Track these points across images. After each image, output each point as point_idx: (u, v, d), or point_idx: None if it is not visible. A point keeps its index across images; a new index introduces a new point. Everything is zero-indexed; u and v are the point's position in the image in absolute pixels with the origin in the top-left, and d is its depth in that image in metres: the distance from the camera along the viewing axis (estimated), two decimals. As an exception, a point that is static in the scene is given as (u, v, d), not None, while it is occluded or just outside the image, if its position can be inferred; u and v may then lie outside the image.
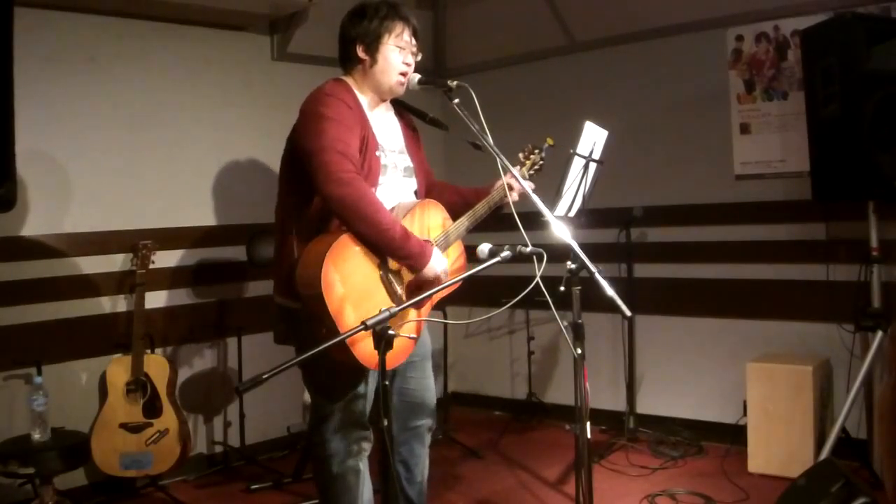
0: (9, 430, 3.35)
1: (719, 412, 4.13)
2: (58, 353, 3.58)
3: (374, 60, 2.50)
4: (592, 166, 3.06)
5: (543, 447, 4.32)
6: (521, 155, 2.77)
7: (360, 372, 2.43)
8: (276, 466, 4.05)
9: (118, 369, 3.51)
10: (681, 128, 4.33)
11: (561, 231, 2.27)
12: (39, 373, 3.41)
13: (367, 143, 2.44)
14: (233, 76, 4.25)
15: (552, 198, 2.90)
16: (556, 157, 2.86)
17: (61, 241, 3.64)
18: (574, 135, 2.95)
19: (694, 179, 4.29)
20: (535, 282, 2.24)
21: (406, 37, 2.53)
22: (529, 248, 2.23)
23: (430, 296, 2.36)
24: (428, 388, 2.71)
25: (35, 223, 3.56)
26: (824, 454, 3.26)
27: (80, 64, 3.69)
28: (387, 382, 2.06)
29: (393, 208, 2.50)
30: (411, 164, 2.63)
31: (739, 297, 4.15)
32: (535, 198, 2.38)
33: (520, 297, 2.29)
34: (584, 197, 3.11)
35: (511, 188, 2.58)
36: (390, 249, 2.35)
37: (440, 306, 3.59)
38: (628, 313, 2.08)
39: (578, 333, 2.33)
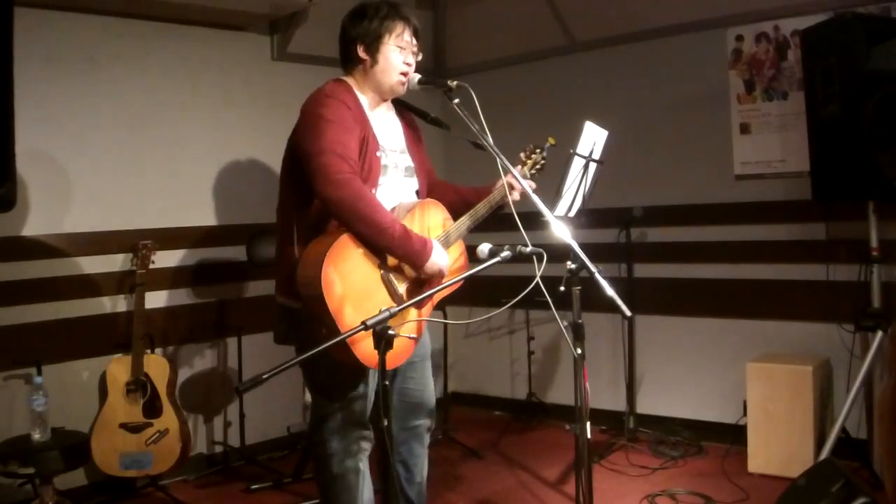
0: (9, 430, 3.35)
1: (719, 412, 4.13)
2: (58, 353, 3.58)
3: (374, 60, 2.50)
4: (592, 166, 3.06)
5: (543, 447, 4.32)
6: (522, 154, 2.77)
7: (360, 372, 2.43)
8: (276, 466, 4.05)
9: (118, 369, 3.51)
10: (681, 128, 4.33)
11: (561, 231, 2.27)
12: (39, 373, 3.41)
13: (367, 144, 2.44)
14: (233, 76, 4.26)
15: (552, 198, 2.90)
16: (556, 157, 2.86)
17: (61, 241, 3.64)
18: (574, 135, 2.95)
19: (694, 179, 4.29)
20: (535, 282, 2.23)
21: (407, 37, 2.53)
22: (529, 248, 2.22)
23: (431, 295, 2.37)
24: (427, 388, 2.71)
25: (35, 223, 3.56)
26: (824, 454, 3.26)
27: (80, 64, 3.69)
28: (387, 382, 2.06)
29: (394, 208, 2.50)
30: (412, 164, 2.63)
31: (739, 297, 4.15)
32: (535, 198, 2.38)
33: (520, 297, 2.29)
34: (584, 197, 3.11)
35: (512, 188, 2.58)
36: (391, 248, 2.35)
37: (440, 306, 3.59)
38: (628, 313, 2.08)
39: (578, 333, 2.33)
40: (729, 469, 3.70)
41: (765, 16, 3.99)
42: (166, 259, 3.92)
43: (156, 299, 3.88)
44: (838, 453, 3.25)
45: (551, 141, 2.78)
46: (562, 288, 2.38)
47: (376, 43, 2.49)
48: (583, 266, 2.22)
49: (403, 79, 2.53)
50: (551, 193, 2.90)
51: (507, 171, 2.47)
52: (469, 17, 4.99)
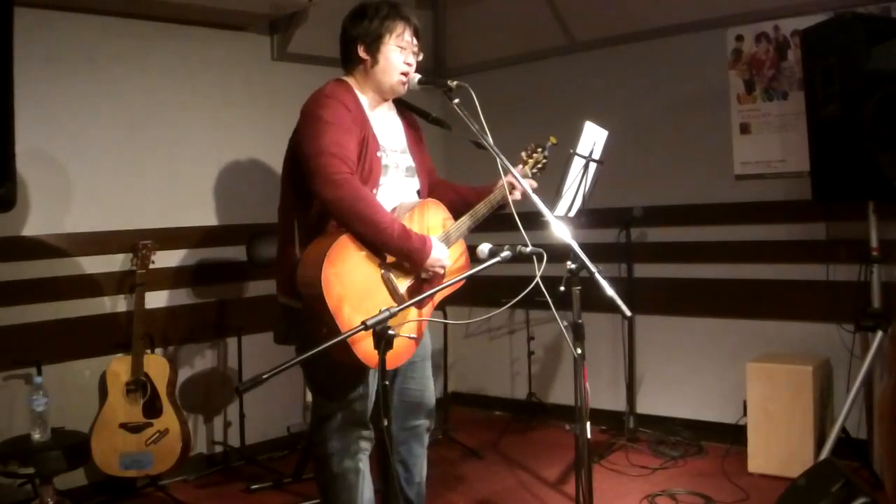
0: (9, 430, 3.35)
1: (719, 412, 4.13)
2: (58, 353, 3.58)
3: (375, 60, 2.50)
4: (592, 166, 3.06)
5: (543, 447, 4.32)
6: (524, 153, 2.77)
7: (360, 372, 2.43)
8: (276, 466, 4.05)
9: (118, 369, 3.51)
10: (681, 128, 4.33)
11: (561, 231, 2.27)
12: (39, 373, 3.41)
13: (368, 144, 2.44)
14: (233, 76, 4.26)
15: (552, 198, 2.90)
16: (556, 158, 2.85)
17: (61, 241, 3.64)
18: (574, 135, 2.95)
19: (694, 179, 4.29)
20: (535, 282, 2.24)
21: (407, 37, 2.53)
22: (529, 248, 2.23)
23: (431, 295, 2.37)
24: (427, 388, 2.71)
25: (35, 223, 3.56)
26: (824, 454, 3.26)
27: (80, 64, 3.69)
28: (387, 382, 2.07)
29: (395, 208, 2.50)
30: (413, 164, 2.63)
31: (739, 297, 4.15)
32: (535, 198, 2.38)
33: (520, 297, 2.29)
34: (584, 197, 3.11)
35: (513, 187, 2.58)
36: (390, 247, 2.35)
37: (440, 306, 3.59)
38: (628, 313, 2.09)
39: (578, 333, 2.33)
40: (729, 469, 3.70)
41: (765, 16, 3.99)
42: (166, 259, 3.92)
43: (156, 299, 3.88)
44: (838, 453, 3.25)
45: (553, 140, 2.78)
46: (562, 288, 2.38)
47: (377, 43, 2.49)
48: (583, 266, 2.22)
49: (404, 79, 2.53)
50: (551, 193, 2.90)
51: (507, 171, 2.47)
52: (469, 17, 4.99)
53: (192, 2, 3.75)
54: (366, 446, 2.53)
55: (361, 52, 2.51)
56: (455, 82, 2.48)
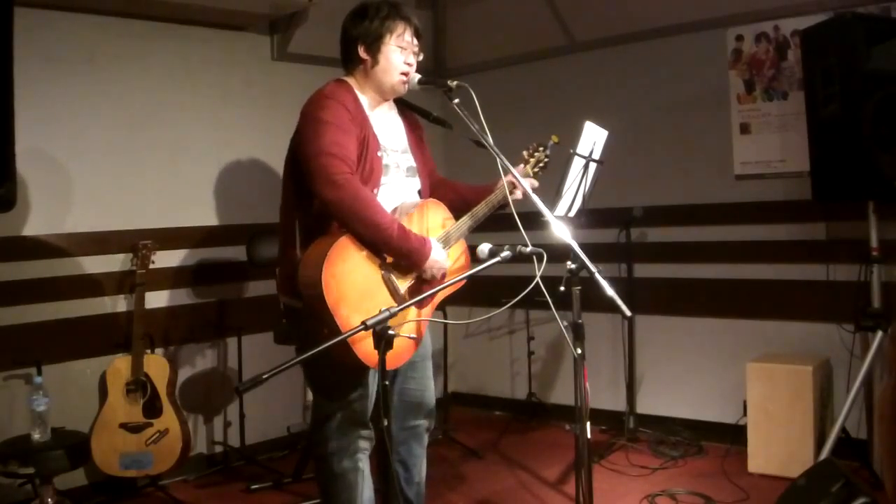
0: (9, 430, 3.35)
1: (719, 412, 4.13)
2: (58, 353, 3.58)
3: (375, 61, 2.50)
4: (592, 166, 3.06)
5: (543, 447, 4.32)
6: (525, 153, 2.76)
7: (361, 372, 2.43)
8: (276, 466, 4.05)
9: (118, 369, 3.51)
10: (681, 128, 4.34)
11: (561, 231, 2.27)
12: (39, 373, 3.41)
13: (368, 144, 2.44)
14: (233, 76, 4.26)
15: (552, 198, 2.90)
16: (556, 158, 2.85)
17: (61, 241, 3.64)
18: (574, 135, 2.95)
19: (694, 179, 4.29)
20: (535, 282, 2.24)
21: (407, 37, 2.53)
22: (529, 248, 2.23)
23: (432, 295, 2.37)
24: (428, 388, 2.71)
25: (35, 223, 3.56)
26: (824, 454, 3.26)
27: (80, 64, 3.69)
28: (387, 382, 2.07)
29: (395, 209, 2.50)
30: (414, 164, 2.63)
31: (739, 297, 4.15)
32: (535, 198, 2.38)
33: (520, 297, 2.29)
34: (584, 197, 3.11)
35: (514, 187, 2.58)
36: (389, 248, 2.35)
37: (440, 306, 3.59)
38: (628, 313, 2.09)
39: (578, 333, 2.33)
40: (729, 469, 3.70)
41: (765, 16, 3.99)
42: (166, 259, 3.92)
43: (156, 299, 3.88)
44: (838, 453, 3.25)
45: (555, 139, 2.77)
46: (562, 288, 2.38)
47: (377, 43, 2.49)
48: (583, 266, 2.22)
49: (404, 79, 2.53)
50: (551, 193, 2.90)
51: (507, 171, 2.47)
52: (469, 17, 4.99)
53: (192, 2, 3.76)
54: (366, 446, 2.53)
55: (362, 53, 2.51)
56: (455, 82, 2.48)
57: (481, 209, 2.61)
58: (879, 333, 3.33)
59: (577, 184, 3.02)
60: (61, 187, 3.65)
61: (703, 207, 4.26)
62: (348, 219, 2.31)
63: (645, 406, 4.45)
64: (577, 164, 2.98)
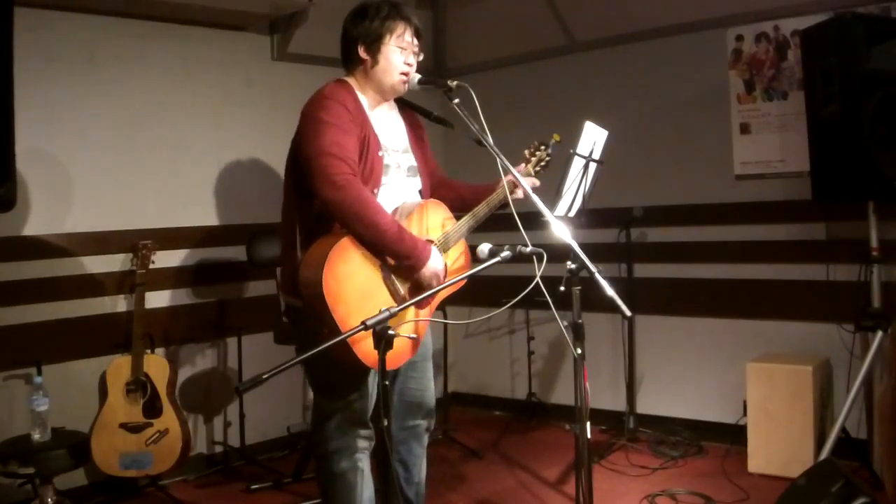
0: (9, 430, 3.35)
1: (719, 412, 4.13)
2: (58, 353, 3.58)
3: (375, 61, 2.50)
4: (592, 166, 3.06)
5: (543, 447, 4.32)
6: (526, 152, 2.76)
7: (361, 371, 2.43)
8: (276, 466, 4.05)
9: (118, 369, 3.51)
10: (681, 128, 4.34)
11: (561, 231, 2.27)
12: (39, 373, 3.41)
13: (369, 144, 2.44)
14: (233, 76, 4.26)
15: (552, 198, 2.90)
16: (556, 158, 2.86)
17: (61, 241, 3.64)
18: (574, 135, 2.95)
19: (694, 179, 4.29)
20: (535, 282, 2.24)
21: (408, 37, 2.53)
22: (529, 248, 2.22)
23: (432, 295, 2.37)
24: (428, 388, 2.72)
25: (35, 223, 3.56)
26: (824, 454, 3.25)
27: (80, 64, 3.69)
28: (387, 382, 2.07)
29: (396, 209, 2.50)
30: (415, 164, 2.63)
31: (739, 297, 4.15)
32: (536, 198, 2.38)
33: (520, 297, 2.29)
34: (584, 197, 3.11)
35: (515, 186, 2.58)
36: (388, 249, 2.35)
37: (440, 306, 3.59)
38: (628, 313, 2.08)
39: (578, 333, 2.33)
40: (729, 469, 3.70)
41: (765, 16, 3.99)
42: (166, 259, 3.92)
43: (156, 299, 3.88)
44: (838, 453, 3.25)
45: (556, 138, 2.77)
46: (562, 288, 2.38)
47: (377, 43, 2.49)
48: (583, 266, 2.22)
49: (404, 79, 2.53)
50: (551, 193, 2.90)
51: (507, 172, 2.47)
52: (469, 17, 4.99)
53: (192, 2, 3.75)
54: (366, 446, 2.53)
55: (362, 53, 2.51)
56: (455, 82, 2.47)
57: (482, 209, 2.61)
58: (879, 333, 3.33)
59: (577, 184, 3.02)
60: (61, 187, 3.65)
61: (703, 207, 4.26)
62: (348, 219, 2.31)
63: (645, 406, 4.45)
64: (577, 164, 2.98)
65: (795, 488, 2.83)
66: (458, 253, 2.62)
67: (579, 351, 2.31)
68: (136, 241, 3.70)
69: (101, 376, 3.55)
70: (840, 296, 3.73)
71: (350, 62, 2.56)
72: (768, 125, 4.06)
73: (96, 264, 3.75)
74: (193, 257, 4.10)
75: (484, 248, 2.28)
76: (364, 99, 2.53)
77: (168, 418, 3.53)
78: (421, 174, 2.65)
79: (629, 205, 4.26)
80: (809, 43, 3.51)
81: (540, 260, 2.19)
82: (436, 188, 2.74)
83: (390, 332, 1.97)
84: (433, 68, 5.04)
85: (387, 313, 1.97)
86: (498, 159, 2.41)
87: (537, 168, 2.76)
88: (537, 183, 2.67)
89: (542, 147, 2.76)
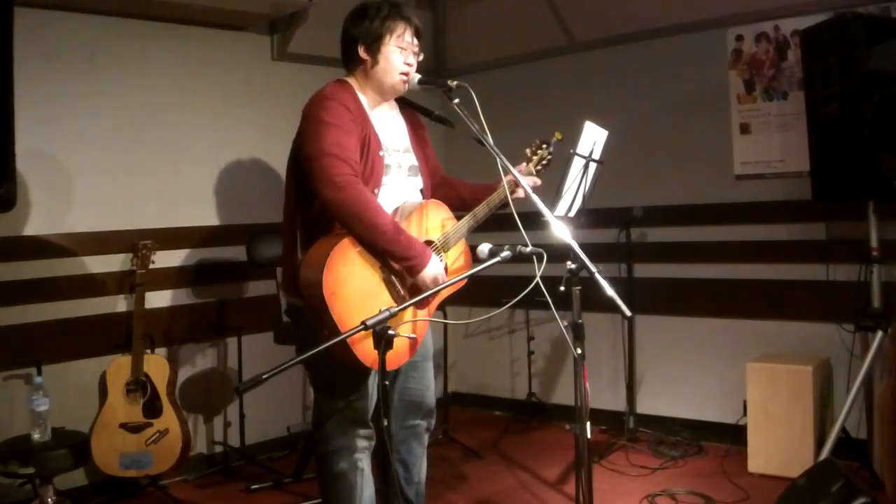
0: (9, 430, 3.35)
1: (719, 412, 4.13)
2: (58, 353, 3.58)
3: (375, 61, 2.50)
4: (592, 166, 3.06)
5: (543, 447, 4.32)
6: (528, 150, 2.75)
7: (362, 371, 2.43)
8: (276, 466, 4.05)
9: (118, 369, 3.51)
10: (681, 128, 4.34)
11: (561, 231, 2.27)
12: (39, 373, 3.41)
13: (370, 144, 2.44)
14: (233, 76, 4.26)
15: (552, 198, 2.90)
16: (556, 157, 2.85)
17: (61, 241, 3.64)
18: (574, 135, 2.95)
19: (694, 179, 4.29)
20: (535, 282, 2.24)
21: (408, 37, 2.53)
22: (529, 248, 2.22)
23: (431, 295, 2.37)
24: (428, 388, 2.72)
25: (35, 223, 3.56)
26: (824, 454, 3.25)
27: (80, 64, 3.69)
28: (387, 382, 2.07)
29: (396, 209, 2.50)
30: (416, 163, 2.63)
31: (739, 297, 4.15)
32: (535, 198, 2.38)
33: (520, 297, 2.29)
34: (584, 197, 3.11)
35: (516, 186, 2.57)
36: (387, 251, 2.35)
37: (440, 306, 3.60)
38: (628, 313, 2.08)
39: (578, 333, 2.33)
40: (729, 469, 3.70)
41: (765, 16, 3.99)
42: (166, 259, 3.92)
43: (156, 299, 3.88)
44: (838, 453, 3.25)
45: (558, 136, 2.76)
46: (562, 288, 2.38)
47: (377, 43, 2.49)
48: (583, 266, 2.22)
49: (404, 79, 2.53)
50: (551, 193, 2.90)
51: (507, 172, 2.47)
52: (469, 17, 4.99)
53: (192, 2, 3.75)
54: (366, 445, 2.53)
55: (362, 53, 2.51)
56: (455, 82, 2.47)
57: (482, 209, 2.61)
58: (879, 333, 3.33)
59: (577, 184, 3.02)
60: (61, 187, 3.65)
61: (703, 207, 4.26)
62: (348, 220, 2.31)
63: (645, 406, 4.45)
64: (577, 164, 2.98)
65: (795, 488, 2.83)
66: (458, 253, 2.62)
67: (579, 351, 2.31)
68: (136, 241, 3.70)
69: (101, 376, 3.55)
70: (840, 296, 3.73)
71: (350, 62, 2.56)
72: (768, 125, 4.06)
73: (96, 264, 3.75)
74: (193, 257, 4.10)
75: (484, 248, 2.28)
76: (364, 99, 2.53)
77: (168, 418, 3.53)
78: (422, 173, 2.65)
79: (629, 205, 4.26)
80: (809, 43, 3.51)
81: (540, 260, 2.19)
82: (436, 187, 2.74)
83: (390, 332, 1.97)
84: (433, 68, 5.04)
85: (386, 313, 1.97)
86: (498, 159, 2.41)
87: (539, 167, 2.75)
88: (538, 182, 2.67)
89: (544, 145, 2.76)
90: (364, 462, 2.52)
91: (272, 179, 4.20)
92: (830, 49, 3.32)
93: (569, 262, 2.31)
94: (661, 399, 4.43)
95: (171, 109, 4.01)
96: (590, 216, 3.38)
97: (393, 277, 2.41)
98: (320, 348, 1.96)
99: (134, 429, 3.46)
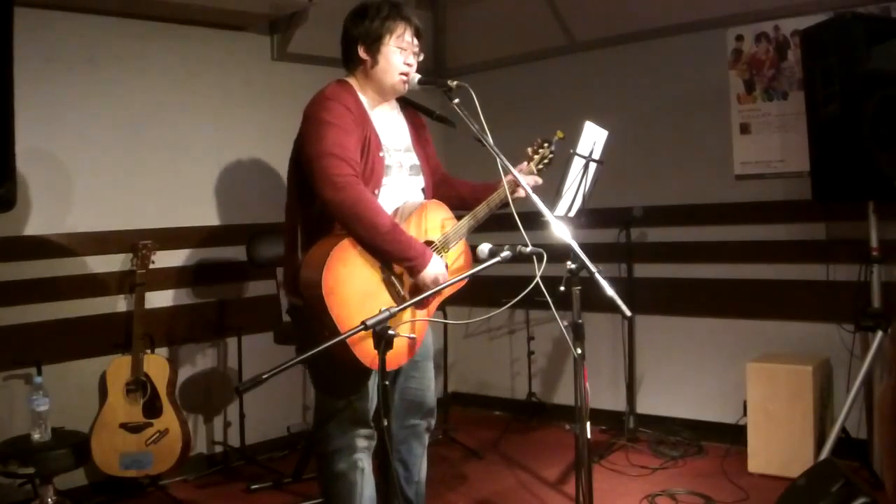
0: (9, 430, 3.35)
1: (719, 412, 4.13)
2: (58, 353, 3.58)
3: (374, 61, 2.50)
4: (592, 166, 3.06)
5: (543, 447, 4.32)
6: (529, 149, 2.75)
7: (363, 371, 2.43)
8: (276, 466, 4.05)
9: (118, 369, 3.51)
10: (681, 128, 4.34)
11: (561, 231, 2.27)
12: (39, 373, 3.41)
13: (370, 145, 2.44)
14: (233, 76, 4.26)
15: (552, 198, 2.90)
16: (556, 157, 2.85)
17: (61, 241, 3.64)
18: (574, 135, 2.95)
19: (694, 179, 4.29)
20: (535, 282, 2.24)
21: (408, 37, 2.53)
22: (529, 248, 2.23)
23: (431, 295, 2.37)
24: (429, 387, 2.72)
25: (35, 223, 3.56)
26: (824, 454, 3.25)
27: (80, 64, 3.69)
28: (387, 382, 2.07)
29: (397, 210, 2.50)
30: (418, 162, 2.63)
31: (739, 297, 4.15)
32: (535, 198, 2.38)
33: (520, 297, 2.29)
34: (584, 197, 3.11)
35: (516, 186, 2.57)
36: (387, 252, 2.35)
37: (440, 306, 3.60)
38: (628, 313, 2.09)
39: (578, 333, 2.33)
40: (729, 469, 3.70)
41: (765, 16, 3.99)
42: (166, 259, 3.92)
43: (156, 299, 3.88)
44: (838, 453, 3.25)
45: (560, 135, 2.75)
46: (562, 288, 2.38)
47: (377, 44, 2.49)
48: (583, 266, 2.22)
49: (404, 79, 2.53)
50: (551, 193, 2.90)
51: (507, 172, 2.47)
52: (469, 17, 4.99)
53: (192, 2, 3.76)
54: (367, 445, 2.53)
55: (362, 53, 2.51)
56: (455, 82, 2.47)
57: (482, 210, 2.60)
58: (879, 333, 3.33)
59: (577, 184, 3.02)
60: (61, 187, 3.65)
61: (703, 207, 4.26)
62: (348, 220, 2.31)
63: (645, 406, 4.45)
64: (577, 164, 2.98)
65: (795, 488, 2.83)
66: (458, 253, 2.62)
67: (579, 351, 2.31)
68: (136, 241, 3.69)
69: (101, 376, 3.55)
70: (840, 296, 3.73)
71: (350, 62, 2.56)
72: (768, 125, 4.06)
73: (96, 264, 3.75)
74: (193, 257, 4.10)
75: (484, 248, 2.28)
76: (365, 99, 2.53)
77: (168, 418, 3.53)
78: (423, 172, 2.65)
79: (629, 205, 4.26)
80: (809, 43, 3.51)
81: (540, 260, 2.19)
82: (439, 186, 2.74)
83: (390, 332, 1.97)
84: (433, 68, 5.04)
85: (386, 313, 1.97)
86: (498, 159, 2.41)
87: (540, 166, 2.74)
88: (540, 181, 2.67)
89: (546, 144, 2.75)
90: (365, 462, 2.52)
91: (272, 179, 4.19)
92: (830, 49, 3.32)
93: (569, 262, 2.31)
94: (661, 399, 4.43)
95: (171, 109, 4.01)
96: (590, 216, 3.38)
97: (393, 278, 2.41)
98: (320, 348, 1.96)
99: (134, 429, 3.46)
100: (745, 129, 4.13)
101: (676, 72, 4.32)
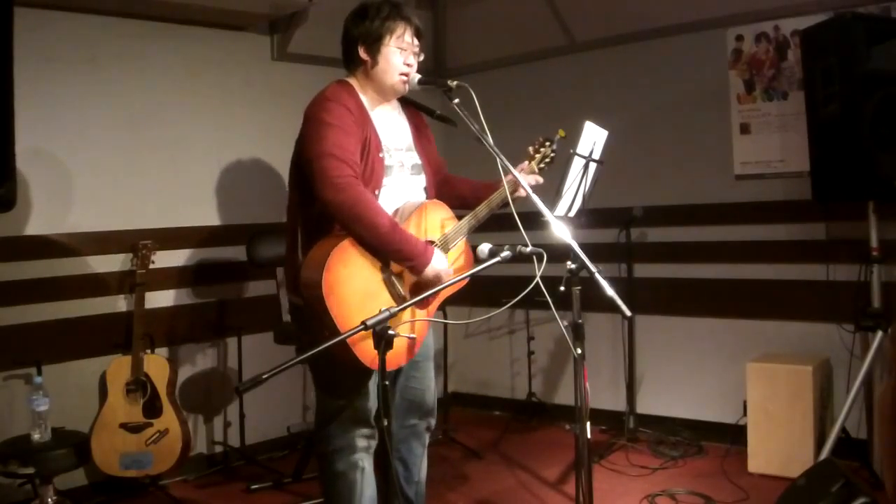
0: (9, 430, 3.35)
1: (719, 412, 4.13)
2: (58, 353, 3.58)
3: (375, 61, 2.50)
4: (592, 166, 3.06)
5: (543, 447, 4.32)
6: (531, 148, 2.74)
7: (363, 370, 2.43)
8: (276, 466, 4.05)
9: (118, 369, 3.51)
10: (681, 128, 4.34)
11: (561, 231, 2.27)
12: (39, 373, 3.41)
13: (370, 145, 2.44)
14: (233, 76, 4.26)
15: (552, 198, 2.90)
16: (557, 156, 2.85)
17: (61, 241, 3.64)
18: (574, 135, 2.95)
19: (694, 179, 4.29)
20: (535, 282, 2.24)
21: (408, 37, 2.53)
22: (529, 248, 2.23)
23: (431, 295, 2.36)
24: (429, 387, 2.72)
25: (35, 223, 3.56)
26: (824, 454, 3.26)
27: (80, 64, 3.69)
28: (387, 382, 2.07)
29: (397, 210, 2.50)
30: (419, 161, 2.63)
31: (739, 297, 4.15)
32: (535, 198, 2.38)
33: (520, 297, 2.29)
34: (584, 197, 3.11)
35: (517, 186, 2.57)
36: (389, 252, 2.35)
37: (441, 306, 3.60)
38: (628, 313, 2.09)
39: (578, 333, 2.33)
40: (729, 469, 3.70)
41: (765, 16, 3.99)
42: (166, 259, 3.92)
43: (156, 299, 3.88)
44: (838, 453, 3.25)
45: (561, 133, 2.75)
46: (562, 288, 2.38)
47: (377, 44, 2.49)
48: (583, 266, 2.22)
49: (404, 79, 2.53)
50: (551, 193, 2.90)
51: (507, 172, 2.47)
52: (469, 17, 4.99)
53: (192, 2, 3.76)
54: (367, 445, 2.53)
55: (362, 53, 2.51)
56: (455, 82, 2.47)
57: (483, 209, 2.60)
58: (879, 333, 3.33)
59: (577, 184, 3.01)
60: (61, 187, 3.65)
61: (703, 207, 4.26)
62: (349, 221, 2.31)
63: (645, 406, 4.45)
64: (577, 164, 2.97)
65: (795, 488, 2.83)
66: (458, 253, 2.62)
67: (579, 351, 2.31)
68: (136, 241, 3.70)
69: (101, 376, 3.55)
70: (840, 296, 3.73)
71: (351, 62, 2.56)
72: (768, 125, 4.06)
73: (96, 264, 3.75)
74: (193, 257, 4.10)
75: (484, 248, 2.28)
76: (365, 99, 2.53)
77: (168, 418, 3.53)
78: (426, 171, 2.65)
79: (629, 205, 4.26)
80: (809, 43, 3.51)
81: (540, 260, 2.19)
82: (441, 185, 2.74)
83: (390, 332, 1.97)
84: (433, 68, 5.04)
85: (386, 313, 1.97)
86: (498, 159, 2.41)
87: (542, 164, 2.74)
88: (541, 180, 2.67)
89: (547, 143, 2.75)
90: (365, 461, 2.52)
91: (272, 179, 4.19)
92: (830, 49, 3.33)
93: (569, 262, 2.31)
94: (661, 399, 4.43)
95: (171, 109, 4.01)
96: (590, 216, 3.38)
97: (393, 278, 2.41)
98: (320, 348, 1.96)
99: (134, 429, 3.46)
100: (745, 129, 4.14)
101: (676, 72, 4.32)
